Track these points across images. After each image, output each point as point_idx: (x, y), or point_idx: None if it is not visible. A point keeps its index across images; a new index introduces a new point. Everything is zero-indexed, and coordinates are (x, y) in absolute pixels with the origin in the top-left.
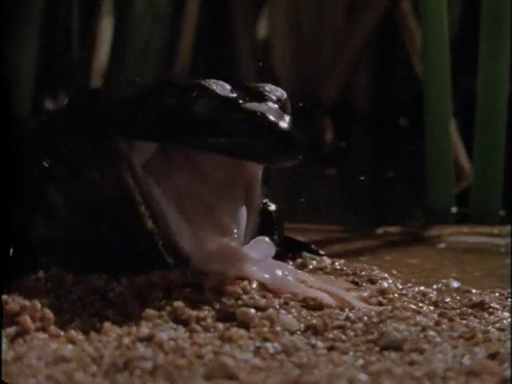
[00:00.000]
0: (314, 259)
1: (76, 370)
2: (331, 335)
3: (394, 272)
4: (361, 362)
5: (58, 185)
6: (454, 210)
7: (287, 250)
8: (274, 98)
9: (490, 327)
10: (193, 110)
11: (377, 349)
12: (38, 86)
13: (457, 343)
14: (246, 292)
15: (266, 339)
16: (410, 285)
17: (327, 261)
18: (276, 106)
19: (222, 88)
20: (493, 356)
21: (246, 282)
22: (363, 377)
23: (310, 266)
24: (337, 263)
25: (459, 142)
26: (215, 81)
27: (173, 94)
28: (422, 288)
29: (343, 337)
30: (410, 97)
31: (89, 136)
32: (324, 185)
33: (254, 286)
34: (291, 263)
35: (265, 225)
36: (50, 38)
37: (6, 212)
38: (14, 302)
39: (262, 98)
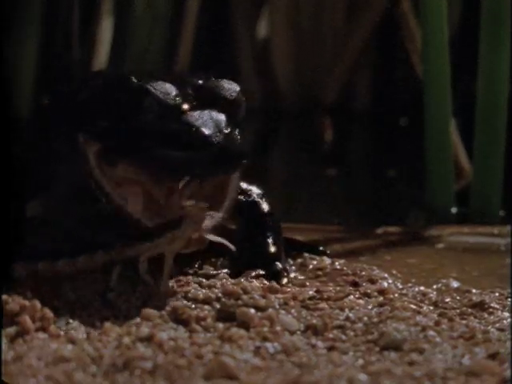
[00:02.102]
0: (313, 259)
1: (76, 370)
2: (331, 335)
3: (394, 272)
4: (361, 362)
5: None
6: (454, 210)
7: (291, 251)
8: (223, 100)
9: (489, 327)
10: (130, 116)
11: (377, 349)
12: (38, 86)
13: (457, 343)
14: (246, 292)
15: (265, 339)
16: (409, 285)
17: (327, 261)
18: (215, 114)
19: (166, 93)
20: (493, 356)
21: (246, 283)
22: (363, 377)
23: (310, 266)
24: (337, 263)
25: (459, 142)
26: (162, 83)
27: (114, 95)
28: (421, 288)
29: (343, 337)
30: (410, 97)
31: (58, 132)
32: (324, 185)
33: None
34: (292, 263)
35: (257, 226)
36: (50, 38)
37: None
38: (13, 301)
39: (209, 101)
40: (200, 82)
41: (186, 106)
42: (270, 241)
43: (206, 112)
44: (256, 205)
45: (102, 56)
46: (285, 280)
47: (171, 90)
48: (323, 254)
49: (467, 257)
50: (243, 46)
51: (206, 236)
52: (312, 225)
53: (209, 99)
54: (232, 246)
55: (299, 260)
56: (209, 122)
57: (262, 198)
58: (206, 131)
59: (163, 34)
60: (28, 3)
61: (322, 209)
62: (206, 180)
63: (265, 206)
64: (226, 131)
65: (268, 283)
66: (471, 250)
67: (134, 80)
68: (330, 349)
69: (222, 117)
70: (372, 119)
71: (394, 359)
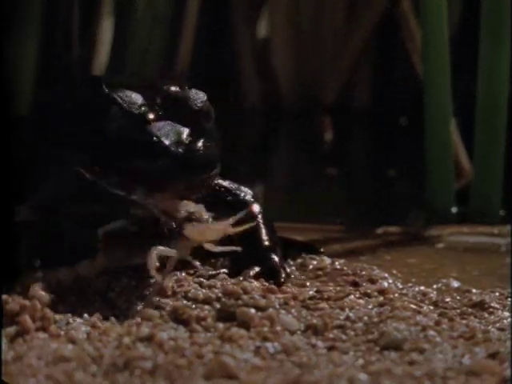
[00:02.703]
0: (313, 259)
1: (76, 370)
2: (331, 335)
3: (394, 272)
4: (361, 361)
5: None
6: (454, 209)
7: (288, 251)
8: (189, 110)
9: (489, 327)
10: (96, 124)
11: (377, 348)
12: (37, 86)
13: (457, 343)
14: (246, 292)
15: (266, 339)
16: (410, 284)
17: (327, 261)
18: (178, 125)
19: (131, 102)
20: (493, 356)
21: (246, 283)
22: (363, 376)
23: (310, 266)
24: (337, 263)
25: (459, 142)
26: (128, 92)
27: (82, 103)
28: (422, 288)
29: (343, 336)
30: (410, 97)
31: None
32: (324, 185)
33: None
34: (292, 263)
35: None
36: (50, 38)
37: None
38: (13, 301)
39: (175, 111)
40: (169, 91)
41: (151, 116)
42: (263, 236)
43: (169, 122)
44: (248, 205)
45: (102, 56)
46: (283, 275)
47: (137, 98)
48: (318, 252)
49: (467, 257)
50: (243, 46)
51: (209, 248)
52: (312, 225)
53: (175, 109)
54: (238, 248)
55: (299, 260)
56: (170, 132)
57: (252, 198)
58: (167, 141)
59: (163, 34)
60: (28, 3)
61: (321, 209)
62: (168, 191)
63: (256, 206)
64: (188, 142)
65: (268, 283)
66: (471, 249)
67: (103, 88)
68: (330, 348)
69: (184, 127)
70: (372, 119)
71: (394, 359)
